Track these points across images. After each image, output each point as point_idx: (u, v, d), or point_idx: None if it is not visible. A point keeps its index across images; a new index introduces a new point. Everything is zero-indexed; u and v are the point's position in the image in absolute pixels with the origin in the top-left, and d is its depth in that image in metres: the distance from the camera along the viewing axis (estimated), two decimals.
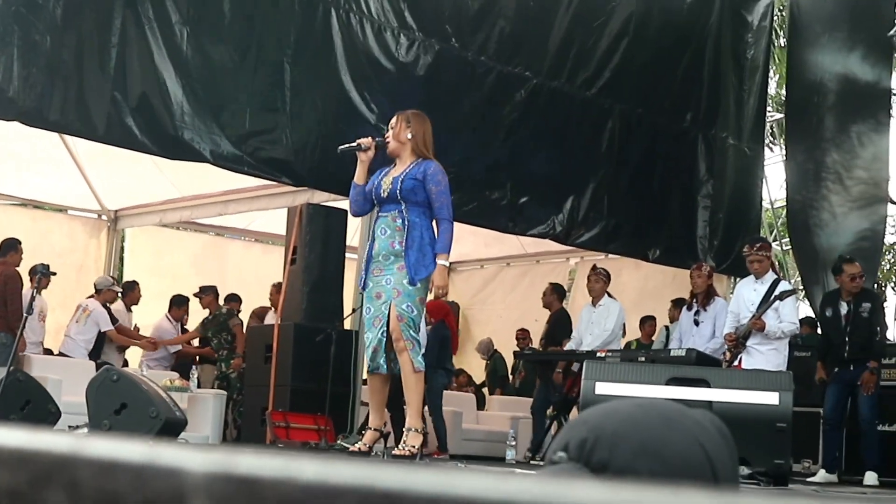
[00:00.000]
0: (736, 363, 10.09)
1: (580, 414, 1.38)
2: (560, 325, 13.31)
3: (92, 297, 13.37)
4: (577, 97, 13.40)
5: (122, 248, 16.78)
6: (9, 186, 15.02)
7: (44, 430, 0.85)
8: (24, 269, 11.57)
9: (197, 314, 14.44)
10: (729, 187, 15.03)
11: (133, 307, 14.39)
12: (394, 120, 8.00)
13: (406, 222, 7.61)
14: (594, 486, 0.53)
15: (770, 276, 10.23)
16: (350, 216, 10.07)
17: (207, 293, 14.15)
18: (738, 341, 10.07)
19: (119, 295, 13.99)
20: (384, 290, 7.62)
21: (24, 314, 9.42)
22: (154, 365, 13.83)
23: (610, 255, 15.07)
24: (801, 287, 16.10)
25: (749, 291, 10.30)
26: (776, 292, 10.01)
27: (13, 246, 12.24)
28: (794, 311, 10.56)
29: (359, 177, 7.87)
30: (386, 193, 7.69)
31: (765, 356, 9.92)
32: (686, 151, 14.65)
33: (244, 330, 13.64)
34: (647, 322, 14.36)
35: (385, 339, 7.68)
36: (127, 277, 15.80)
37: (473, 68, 12.48)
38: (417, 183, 7.63)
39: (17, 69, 9.51)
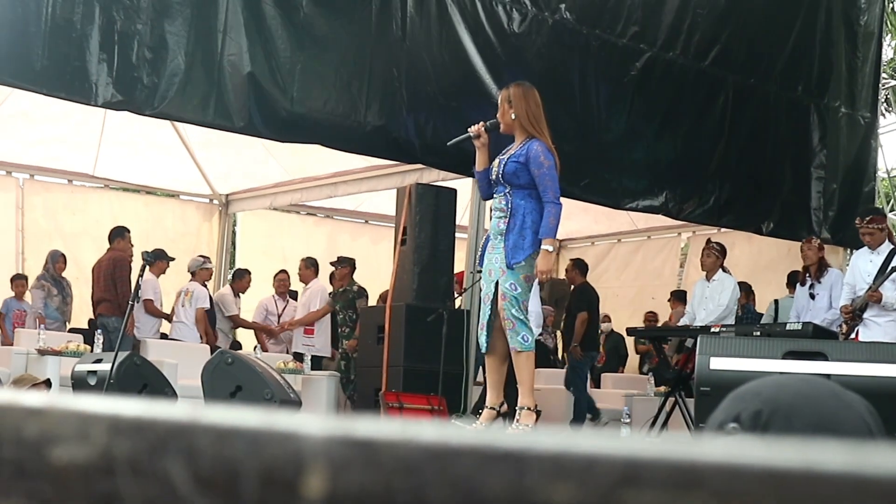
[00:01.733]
0: (853, 336, 9.92)
1: (746, 386, 1.37)
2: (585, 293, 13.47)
3: (191, 280, 13.56)
4: (691, 69, 13.24)
5: (234, 232, 16.98)
6: (121, 173, 15.27)
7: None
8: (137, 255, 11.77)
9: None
10: (843, 157, 14.76)
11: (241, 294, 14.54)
12: (500, 98, 7.85)
13: (510, 205, 7.53)
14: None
15: (886, 247, 10.05)
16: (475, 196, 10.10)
17: (344, 265, 13.91)
18: (854, 313, 9.90)
19: (228, 281, 14.16)
20: (493, 269, 7.58)
21: (131, 301, 9.56)
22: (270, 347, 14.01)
23: (722, 230, 14.89)
24: None
25: (865, 262, 10.13)
26: (893, 262, 9.83)
27: (121, 233, 12.51)
28: None
29: (478, 163, 7.78)
30: (495, 175, 7.64)
31: (882, 328, 9.75)
32: (798, 121, 14.41)
33: None
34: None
35: (494, 318, 7.65)
36: (239, 260, 16.00)
37: (587, 41, 12.39)
38: (520, 166, 7.52)
39: (123, 58, 9.65)
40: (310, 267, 14.02)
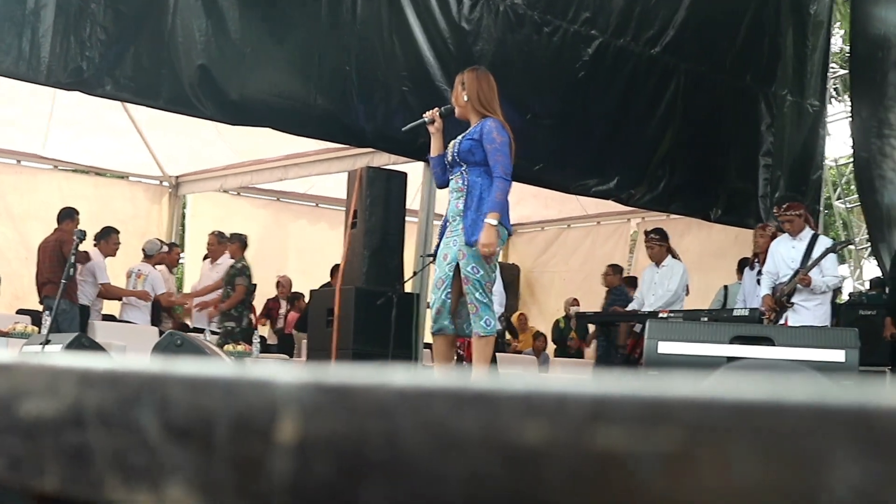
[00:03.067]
0: (783, 322, 10.00)
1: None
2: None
3: (143, 261, 13.49)
4: (643, 55, 13.30)
5: (184, 215, 16.89)
6: (70, 153, 15.14)
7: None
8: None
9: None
10: (790, 145, 14.88)
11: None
12: (456, 79, 7.74)
13: (466, 182, 7.47)
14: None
15: (807, 233, 10.15)
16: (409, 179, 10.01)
17: (233, 241, 13.63)
18: (781, 300, 9.98)
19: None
20: (450, 252, 7.48)
21: (63, 280, 9.48)
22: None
23: (671, 216, 14.98)
24: (869, 244, 15.94)
25: (787, 249, 10.20)
26: (819, 248, 9.93)
27: (70, 214, 12.42)
28: (836, 264, 10.45)
29: (433, 149, 7.67)
30: (450, 157, 7.58)
31: (812, 312, 9.85)
32: (747, 109, 14.51)
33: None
34: None
35: (449, 301, 7.60)
36: (189, 243, 15.92)
37: (539, 27, 12.41)
38: (474, 143, 7.47)
39: (76, 37, 9.58)
40: (222, 242, 13.86)
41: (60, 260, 11.90)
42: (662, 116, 13.57)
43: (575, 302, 15.92)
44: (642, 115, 13.38)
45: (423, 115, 7.69)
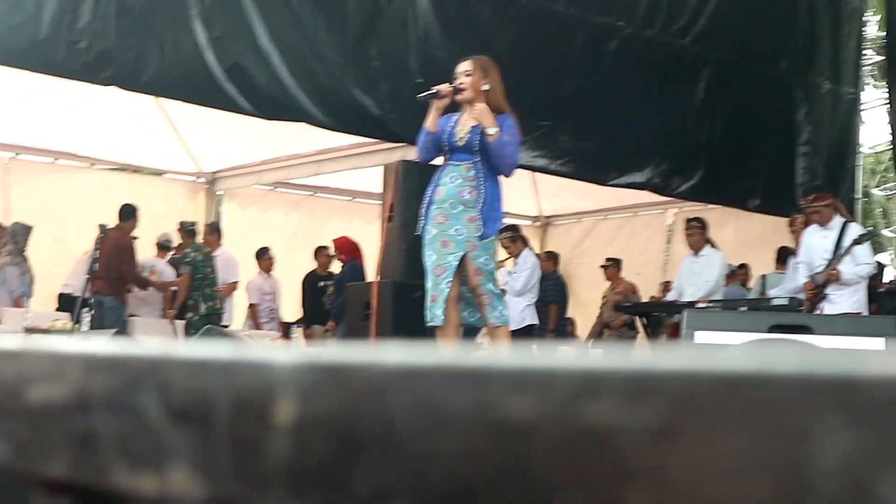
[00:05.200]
0: (818, 312, 9.93)
1: None
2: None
3: (157, 256, 13.63)
4: (672, 46, 13.25)
5: (220, 211, 16.95)
6: (106, 151, 15.23)
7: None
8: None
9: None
10: (827, 133, 14.80)
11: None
12: (467, 65, 7.57)
13: (481, 174, 7.34)
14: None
15: (838, 221, 10.07)
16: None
17: (214, 232, 13.90)
18: (818, 289, 9.93)
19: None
20: (453, 240, 7.33)
21: (86, 275, 9.54)
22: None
23: (709, 206, 14.92)
24: None
25: (819, 239, 10.12)
26: (850, 236, 9.85)
27: (131, 213, 12.51)
28: (869, 252, 10.36)
29: (431, 123, 7.56)
30: (462, 142, 7.41)
31: (847, 300, 9.78)
32: (783, 98, 14.43)
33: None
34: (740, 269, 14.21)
35: (447, 290, 7.40)
36: (225, 238, 15.97)
37: (564, 20, 12.37)
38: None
39: (112, 33, 9.63)
40: (213, 233, 13.97)
41: (117, 258, 11.96)
42: (697, 106, 13.51)
43: (631, 288, 15.65)
44: (677, 105, 13.32)
45: (439, 88, 7.54)
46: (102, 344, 0.82)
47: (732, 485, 0.49)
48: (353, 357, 0.63)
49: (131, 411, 0.76)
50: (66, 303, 12.76)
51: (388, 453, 0.60)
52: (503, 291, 11.53)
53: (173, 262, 13.62)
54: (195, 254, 13.01)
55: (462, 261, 7.35)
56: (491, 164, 7.35)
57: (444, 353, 0.59)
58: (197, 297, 12.85)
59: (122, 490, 0.78)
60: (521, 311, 11.71)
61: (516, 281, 12.07)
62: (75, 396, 0.81)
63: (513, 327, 11.39)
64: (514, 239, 12.18)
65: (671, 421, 0.50)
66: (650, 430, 0.51)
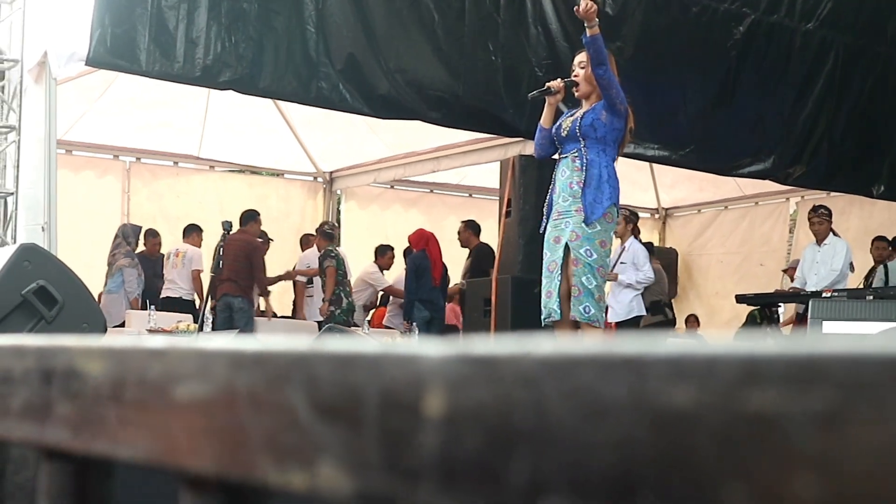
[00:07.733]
0: None
1: None
2: (484, 256, 13.28)
3: (184, 241, 13.77)
4: (797, 31, 13.00)
5: (339, 210, 17.09)
6: (226, 154, 15.44)
7: None
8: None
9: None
10: None
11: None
12: (583, 56, 7.51)
13: (585, 161, 7.21)
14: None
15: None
16: None
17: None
18: None
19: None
20: (562, 234, 7.26)
21: (211, 273, 9.65)
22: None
23: (832, 194, 14.66)
24: None
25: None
26: None
27: (253, 216, 12.67)
28: None
29: (545, 119, 7.54)
30: (566, 132, 7.35)
31: None
32: None
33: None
34: None
35: (560, 285, 7.30)
36: (344, 237, 16.08)
37: (687, 8, 12.22)
38: (597, 118, 7.28)
39: (228, 37, 9.75)
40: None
41: (244, 261, 12.11)
42: (819, 92, 13.24)
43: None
44: (799, 92, 13.08)
45: (550, 84, 7.54)
46: (247, 341, 0.82)
47: None
48: (504, 348, 0.63)
49: (279, 407, 0.77)
50: (166, 304, 12.93)
51: (543, 445, 0.59)
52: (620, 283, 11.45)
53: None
54: (339, 249, 13.28)
55: (566, 252, 7.28)
56: (604, 98, 7.27)
57: (596, 342, 0.59)
58: (338, 292, 13.04)
59: (270, 486, 0.78)
60: (629, 301, 11.51)
61: (626, 276, 11.70)
62: (221, 393, 0.82)
63: (620, 318, 11.33)
64: (626, 220, 11.83)
65: (839, 407, 0.49)
66: (817, 416, 0.49)
